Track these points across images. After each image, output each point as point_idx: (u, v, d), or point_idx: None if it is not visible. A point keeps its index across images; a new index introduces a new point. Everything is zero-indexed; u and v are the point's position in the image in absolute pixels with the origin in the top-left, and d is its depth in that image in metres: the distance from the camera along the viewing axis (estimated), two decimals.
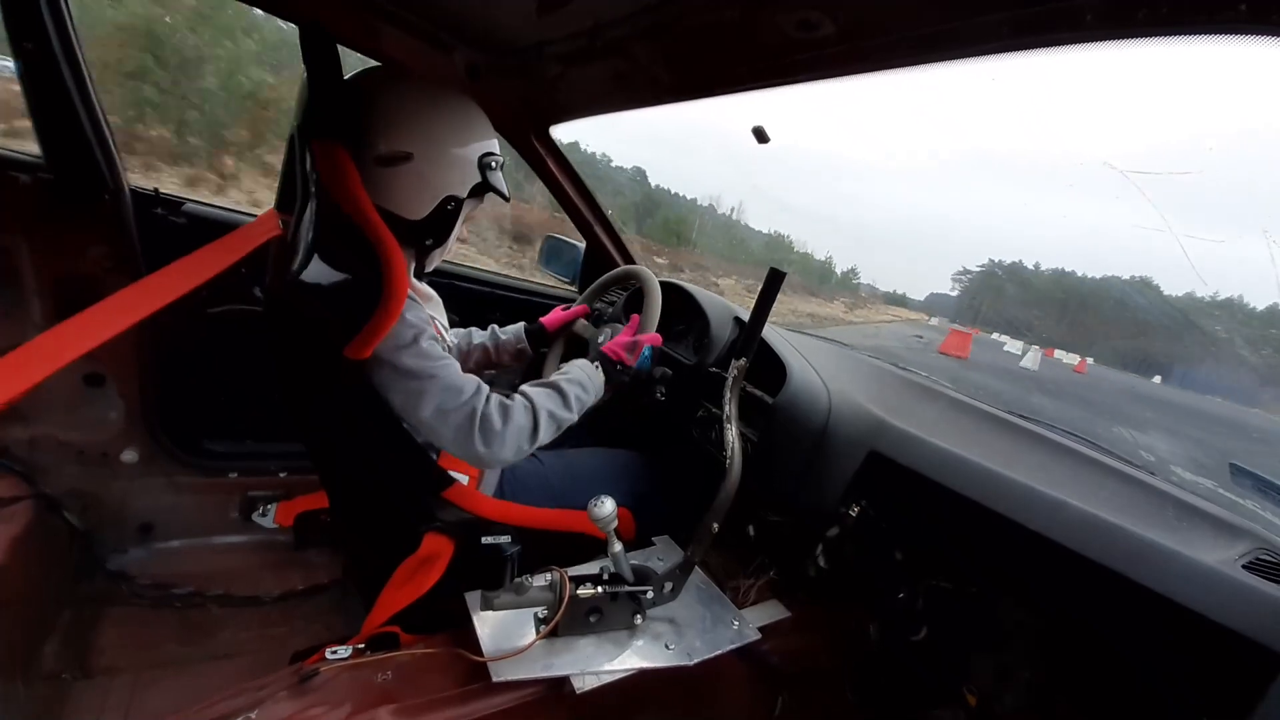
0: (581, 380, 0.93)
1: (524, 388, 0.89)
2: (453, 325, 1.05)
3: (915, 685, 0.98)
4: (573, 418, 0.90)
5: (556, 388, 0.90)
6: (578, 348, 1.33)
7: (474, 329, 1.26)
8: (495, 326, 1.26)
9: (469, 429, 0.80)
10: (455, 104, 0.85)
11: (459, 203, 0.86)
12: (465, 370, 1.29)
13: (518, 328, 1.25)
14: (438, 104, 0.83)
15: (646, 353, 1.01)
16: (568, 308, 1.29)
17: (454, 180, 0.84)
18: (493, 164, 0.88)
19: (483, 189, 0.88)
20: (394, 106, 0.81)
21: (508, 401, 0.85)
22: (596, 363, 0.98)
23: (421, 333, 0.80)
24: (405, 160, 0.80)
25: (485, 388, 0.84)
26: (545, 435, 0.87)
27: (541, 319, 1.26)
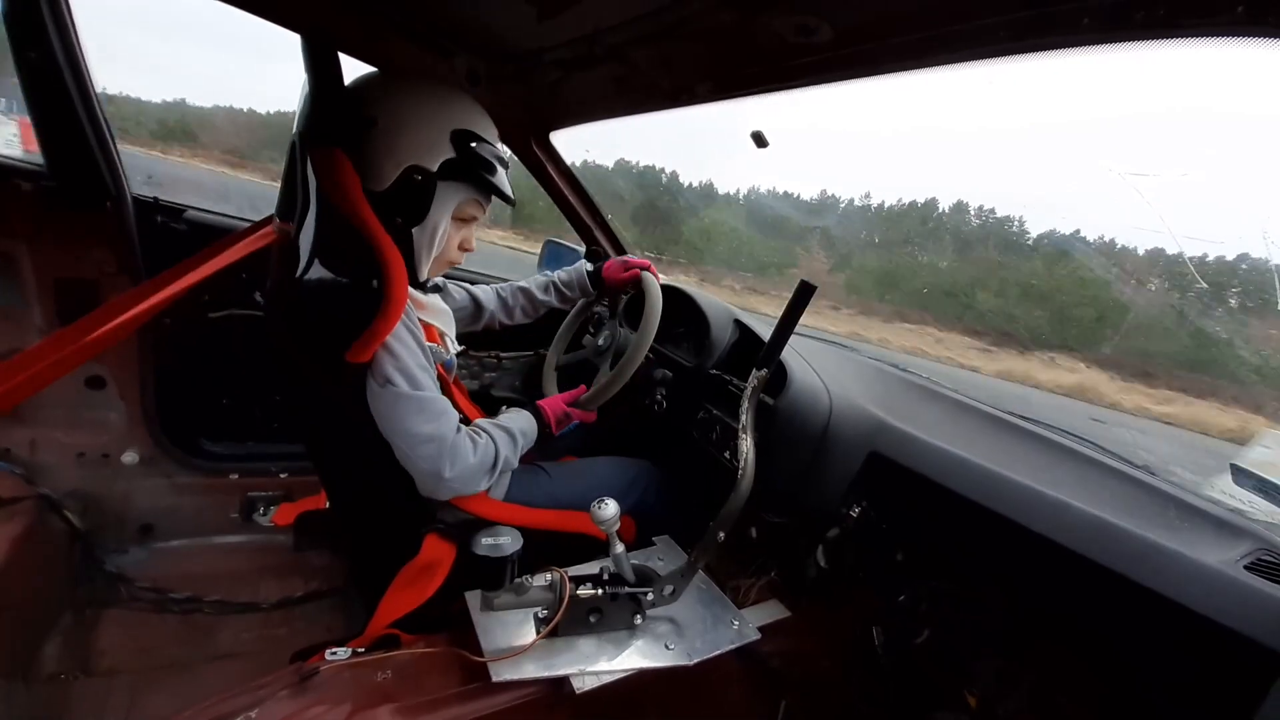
0: (527, 432, 0.97)
1: (488, 429, 0.91)
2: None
3: (916, 687, 0.98)
4: (515, 464, 0.94)
5: (513, 436, 0.93)
6: (581, 366, 1.33)
7: (510, 281, 1.27)
8: (549, 272, 1.27)
9: (438, 455, 0.81)
10: (435, 82, 0.84)
11: (428, 177, 0.80)
12: (506, 319, 1.27)
13: (579, 270, 1.26)
14: (412, 78, 0.83)
15: (570, 428, 1.06)
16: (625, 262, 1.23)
17: (417, 148, 0.79)
18: (473, 144, 0.83)
19: (459, 170, 0.82)
20: (369, 81, 0.83)
21: (477, 438, 0.87)
22: (534, 417, 1.01)
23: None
24: (370, 126, 0.79)
25: (456, 417, 0.85)
26: (495, 477, 0.90)
27: (604, 267, 1.23)
